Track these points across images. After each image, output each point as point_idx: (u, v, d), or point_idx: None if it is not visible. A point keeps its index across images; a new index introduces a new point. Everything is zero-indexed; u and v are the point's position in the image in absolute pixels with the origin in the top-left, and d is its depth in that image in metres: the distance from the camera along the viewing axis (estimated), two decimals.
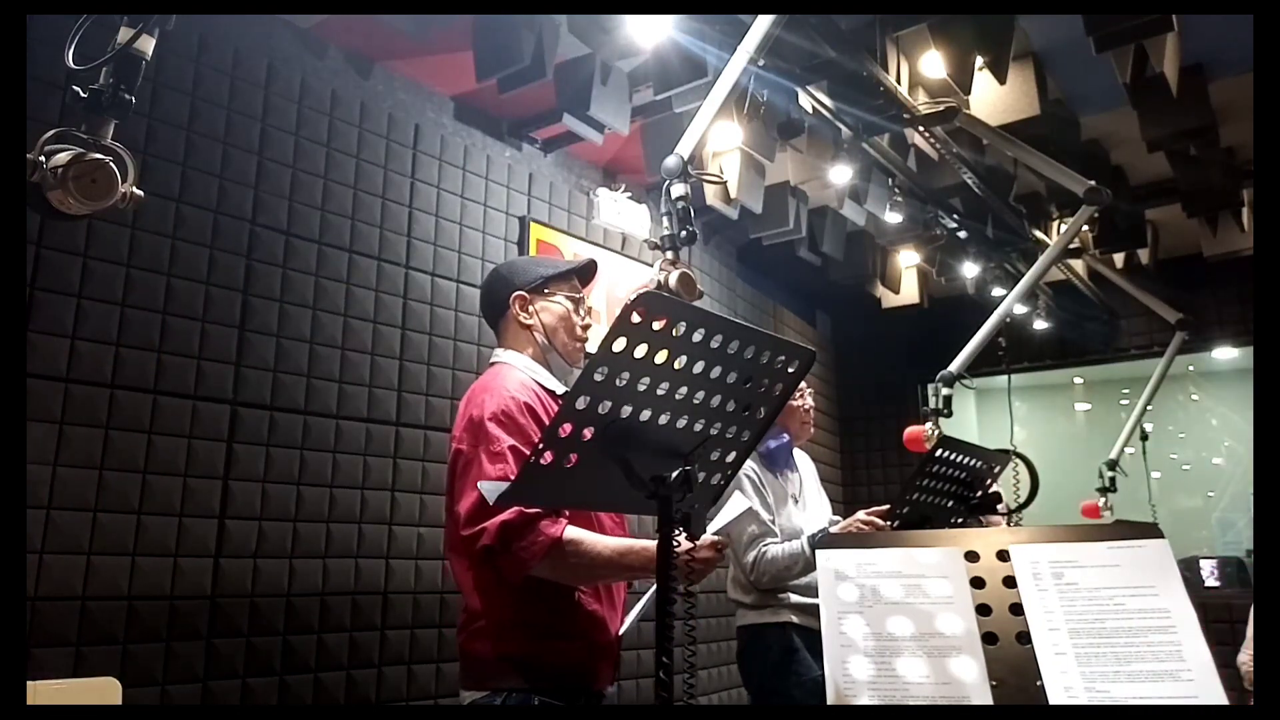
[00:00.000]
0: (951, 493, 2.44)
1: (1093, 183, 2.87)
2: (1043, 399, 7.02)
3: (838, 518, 2.88)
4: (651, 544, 1.70)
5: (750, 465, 2.86)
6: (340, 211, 2.76)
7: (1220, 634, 4.02)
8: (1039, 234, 4.18)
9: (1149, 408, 3.90)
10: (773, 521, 2.78)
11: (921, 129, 3.10)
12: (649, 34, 2.65)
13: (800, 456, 3.09)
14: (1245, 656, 3.41)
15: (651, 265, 1.63)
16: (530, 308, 1.96)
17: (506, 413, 1.74)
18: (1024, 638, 1.22)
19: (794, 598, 2.77)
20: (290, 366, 2.56)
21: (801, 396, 3.02)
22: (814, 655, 2.70)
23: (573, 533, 1.70)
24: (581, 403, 1.11)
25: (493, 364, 1.97)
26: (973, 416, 6.61)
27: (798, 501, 2.94)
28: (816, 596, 2.88)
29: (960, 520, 2.52)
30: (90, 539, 2.10)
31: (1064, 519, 3.86)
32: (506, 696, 1.71)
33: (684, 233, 1.65)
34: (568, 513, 1.73)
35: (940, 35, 2.84)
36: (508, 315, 1.97)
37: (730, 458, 1.32)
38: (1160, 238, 4.67)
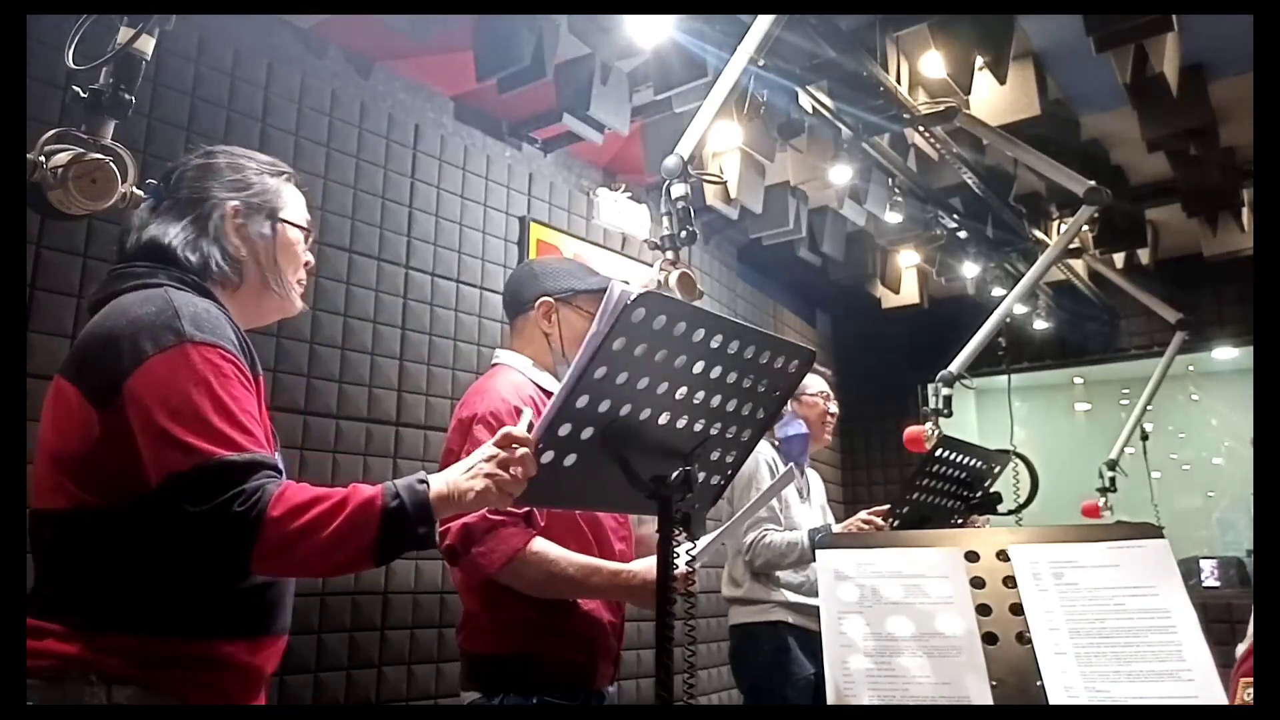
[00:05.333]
0: (951, 493, 2.44)
1: (1093, 183, 2.87)
2: (1043, 399, 7.02)
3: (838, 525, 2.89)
4: (618, 567, 1.71)
5: (769, 453, 2.87)
6: (340, 211, 2.76)
7: (1220, 634, 4.00)
8: (1039, 234, 4.18)
9: (1149, 408, 3.90)
10: (781, 512, 2.79)
11: (921, 129, 3.10)
12: (649, 34, 2.64)
13: (809, 470, 3.08)
14: None
15: (651, 265, 1.64)
16: (553, 315, 1.92)
17: (495, 414, 1.74)
18: (1024, 638, 1.22)
19: (788, 596, 2.77)
20: (290, 366, 2.56)
21: (828, 400, 3.02)
22: (806, 654, 2.71)
23: (538, 545, 1.67)
24: (581, 402, 1.10)
25: (494, 364, 1.97)
26: (973, 416, 6.60)
27: (803, 499, 2.94)
28: (809, 595, 2.90)
29: (960, 520, 2.52)
30: None
31: (1064, 519, 3.86)
32: (505, 696, 1.71)
33: (684, 233, 1.65)
34: (542, 523, 1.72)
35: (940, 35, 2.84)
36: (529, 316, 1.94)
37: (730, 458, 1.32)
38: (1160, 238, 4.67)
